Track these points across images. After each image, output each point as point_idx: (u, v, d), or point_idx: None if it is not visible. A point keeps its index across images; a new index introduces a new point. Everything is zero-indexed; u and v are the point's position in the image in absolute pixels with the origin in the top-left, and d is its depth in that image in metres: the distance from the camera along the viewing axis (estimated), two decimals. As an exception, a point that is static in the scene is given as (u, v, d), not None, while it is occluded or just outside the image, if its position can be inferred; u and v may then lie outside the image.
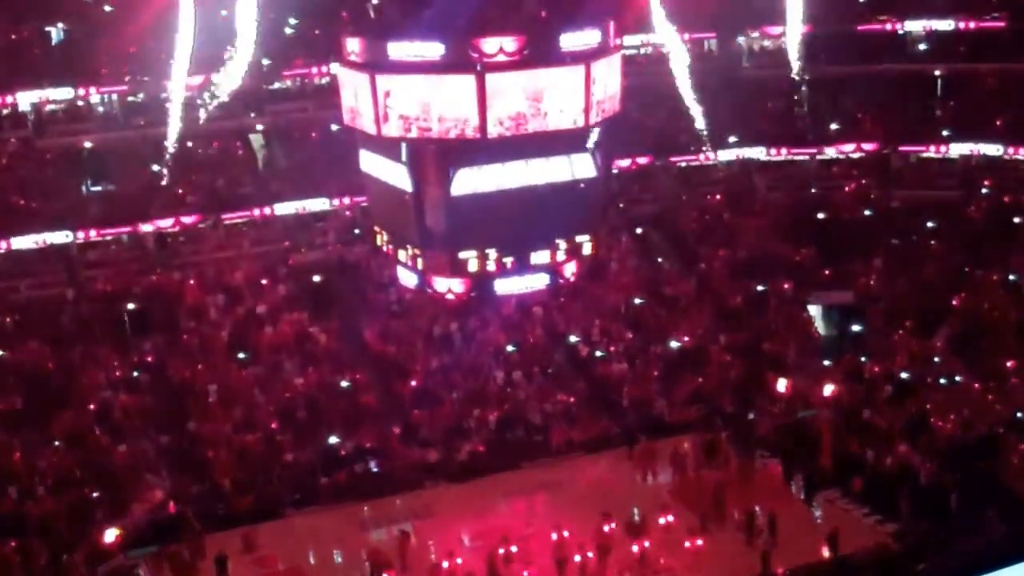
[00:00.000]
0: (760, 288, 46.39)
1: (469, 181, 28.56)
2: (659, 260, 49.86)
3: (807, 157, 55.02)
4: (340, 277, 46.47)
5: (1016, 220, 49.17)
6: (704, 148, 53.86)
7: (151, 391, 40.13)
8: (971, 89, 55.17)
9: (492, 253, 29.36)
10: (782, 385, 38.72)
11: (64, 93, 48.48)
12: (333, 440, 37.69)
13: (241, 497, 35.54)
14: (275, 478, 36.35)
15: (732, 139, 54.58)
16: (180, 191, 48.77)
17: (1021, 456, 34.02)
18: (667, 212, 52.79)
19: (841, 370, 40.71)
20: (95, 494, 34.46)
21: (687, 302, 46.51)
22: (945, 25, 55.55)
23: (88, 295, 44.84)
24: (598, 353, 43.00)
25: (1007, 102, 53.39)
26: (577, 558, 30.78)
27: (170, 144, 48.18)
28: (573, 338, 43.75)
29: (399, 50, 28.26)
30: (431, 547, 32.32)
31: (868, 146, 54.34)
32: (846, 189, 54.07)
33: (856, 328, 43.62)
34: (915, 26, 56.27)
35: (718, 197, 54.06)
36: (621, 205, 51.71)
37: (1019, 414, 36.74)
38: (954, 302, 44.43)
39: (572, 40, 28.48)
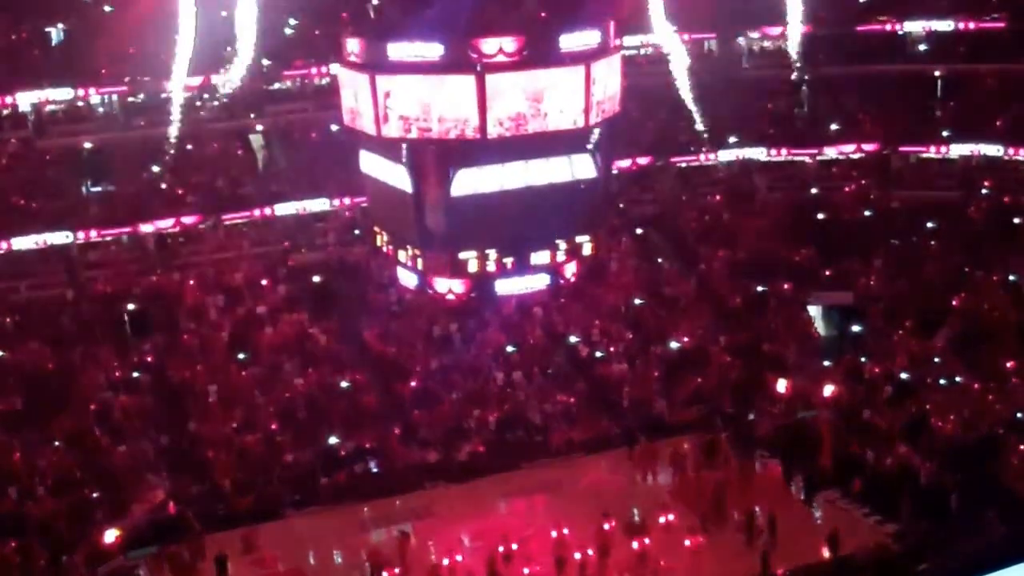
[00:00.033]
0: (760, 289, 46.38)
1: (469, 182, 28.57)
2: (659, 260, 49.85)
3: (807, 157, 55.01)
4: (340, 278, 46.47)
5: (1016, 221, 49.14)
6: (704, 148, 54.00)
7: (151, 392, 40.13)
8: (971, 90, 55.17)
9: (492, 254, 29.38)
10: (782, 386, 38.74)
11: (64, 93, 48.46)
12: (333, 440, 37.70)
13: (241, 497, 35.56)
14: (275, 478, 36.36)
15: (732, 139, 54.62)
16: (180, 192, 48.78)
17: (1021, 457, 34.03)
18: (667, 212, 52.78)
19: (841, 370, 40.69)
20: (95, 495, 34.49)
21: (687, 302, 46.51)
22: (945, 26, 55.52)
23: (88, 295, 44.85)
24: (598, 353, 43.00)
25: (1007, 103, 53.39)
26: (577, 556, 30.82)
27: (170, 145, 48.36)
28: (573, 338, 43.74)
29: (399, 50, 28.28)
30: (431, 547, 32.32)
31: (868, 146, 54.33)
32: (846, 189, 54.05)
33: (856, 328, 43.58)
34: (915, 27, 56.25)
35: (718, 197, 54.06)
36: (621, 205, 51.71)
37: (1019, 414, 36.72)
38: (954, 302, 44.40)
39: (572, 40, 28.49)
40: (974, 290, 45.04)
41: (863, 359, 41.59)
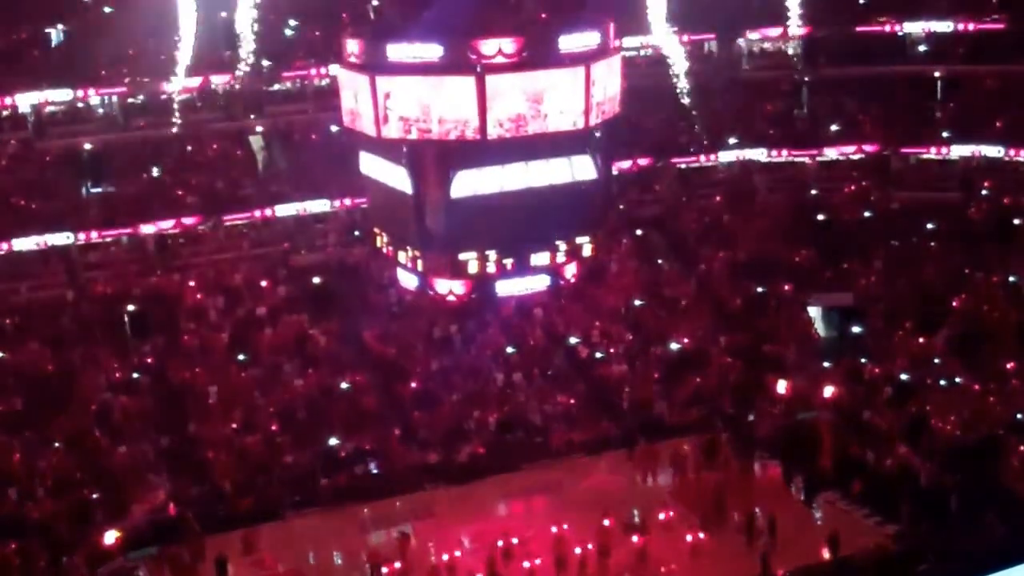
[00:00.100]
0: (760, 289, 46.38)
1: (469, 183, 28.54)
2: (659, 261, 49.86)
3: (807, 158, 55.00)
4: (340, 279, 46.47)
5: (1016, 222, 49.08)
6: (704, 149, 54.02)
7: (151, 393, 40.15)
8: (971, 90, 55.16)
9: (492, 255, 29.34)
10: (782, 387, 38.73)
11: (64, 94, 48.48)
12: (333, 442, 37.70)
13: (241, 499, 35.55)
14: (275, 480, 36.37)
15: (732, 140, 54.64)
16: (180, 193, 48.78)
17: (1021, 458, 34.02)
18: (667, 213, 52.79)
19: (841, 371, 40.66)
20: (95, 496, 34.50)
21: (687, 303, 46.50)
22: (944, 27, 55.51)
23: (88, 296, 44.85)
24: (598, 355, 42.99)
25: (1007, 103, 53.37)
26: (577, 553, 30.83)
27: (170, 146, 48.36)
28: (573, 340, 43.75)
29: (398, 51, 28.25)
30: (431, 548, 32.30)
31: (868, 147, 54.33)
32: (846, 190, 54.02)
33: (856, 329, 43.57)
34: (915, 27, 56.24)
35: (718, 198, 54.06)
36: (621, 206, 51.69)
37: (1019, 415, 36.71)
38: (954, 303, 44.39)
39: (571, 42, 28.46)
40: (974, 291, 45.02)
41: (863, 360, 41.56)
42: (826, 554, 30.88)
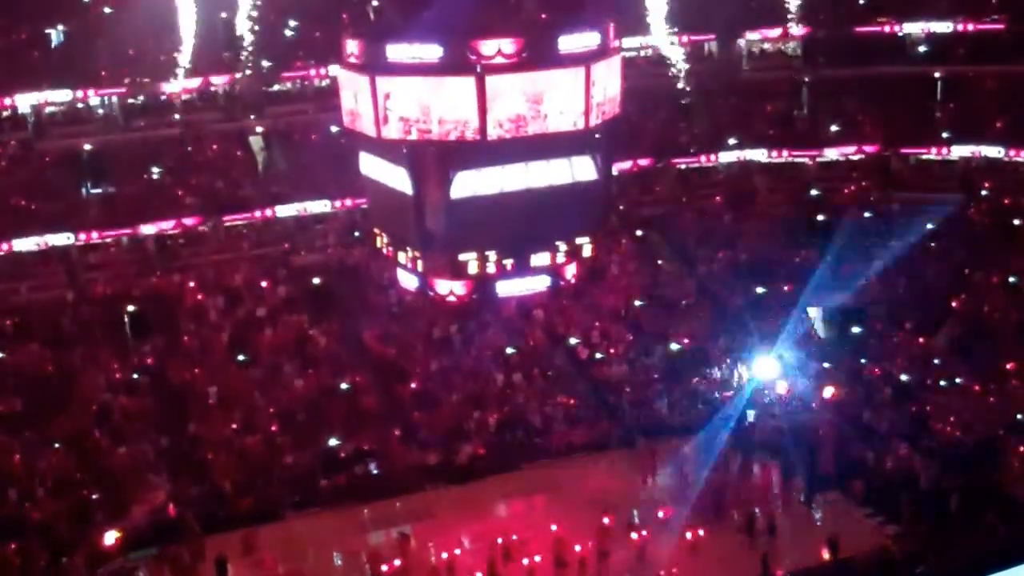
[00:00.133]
0: (760, 290, 46.35)
1: (469, 183, 28.51)
2: (659, 262, 49.86)
3: (807, 159, 55.02)
4: (340, 279, 46.48)
5: (1016, 222, 49.13)
6: (704, 150, 54.04)
7: (151, 393, 40.13)
8: (971, 91, 55.17)
9: (492, 255, 29.32)
10: (782, 387, 38.68)
11: (63, 95, 48.50)
12: (333, 442, 37.71)
13: (241, 499, 35.55)
14: (275, 480, 36.37)
15: (732, 141, 54.63)
16: (180, 193, 48.78)
17: (1021, 458, 34.03)
18: (667, 214, 52.78)
19: (841, 372, 40.66)
20: (95, 496, 34.50)
21: (687, 304, 46.46)
22: (944, 27, 55.54)
23: (88, 297, 44.85)
24: (598, 355, 42.98)
25: (1007, 104, 53.37)
26: (578, 548, 30.86)
27: (170, 146, 48.34)
28: (573, 340, 43.74)
29: (398, 52, 28.20)
30: (431, 548, 32.31)
31: (868, 148, 54.37)
32: (846, 191, 54.03)
33: (856, 330, 43.58)
34: (914, 28, 56.27)
35: (718, 199, 54.07)
36: (621, 207, 51.70)
37: (1019, 416, 36.71)
38: (954, 304, 44.40)
39: (571, 42, 28.42)
40: (974, 291, 45.04)
41: (863, 360, 41.58)
42: (826, 555, 30.88)
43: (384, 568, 31.41)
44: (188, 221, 47.44)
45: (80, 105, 49.70)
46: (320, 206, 48.77)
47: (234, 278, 46.09)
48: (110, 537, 31.74)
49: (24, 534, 32.44)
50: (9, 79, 47.56)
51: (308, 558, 32.90)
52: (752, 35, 57.73)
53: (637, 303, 45.96)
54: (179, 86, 49.94)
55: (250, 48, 51.34)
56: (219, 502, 35.44)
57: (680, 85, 55.97)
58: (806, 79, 57.04)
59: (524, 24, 29.31)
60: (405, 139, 28.41)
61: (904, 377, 40.04)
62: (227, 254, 47.74)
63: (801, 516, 33.62)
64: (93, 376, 40.31)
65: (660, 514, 33.02)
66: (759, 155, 54.69)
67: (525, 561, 30.92)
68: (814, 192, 53.93)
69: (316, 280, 46.00)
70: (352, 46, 30.24)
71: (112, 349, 41.88)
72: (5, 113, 48.37)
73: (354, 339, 43.38)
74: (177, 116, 49.65)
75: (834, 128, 55.75)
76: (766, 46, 58.66)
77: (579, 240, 30.27)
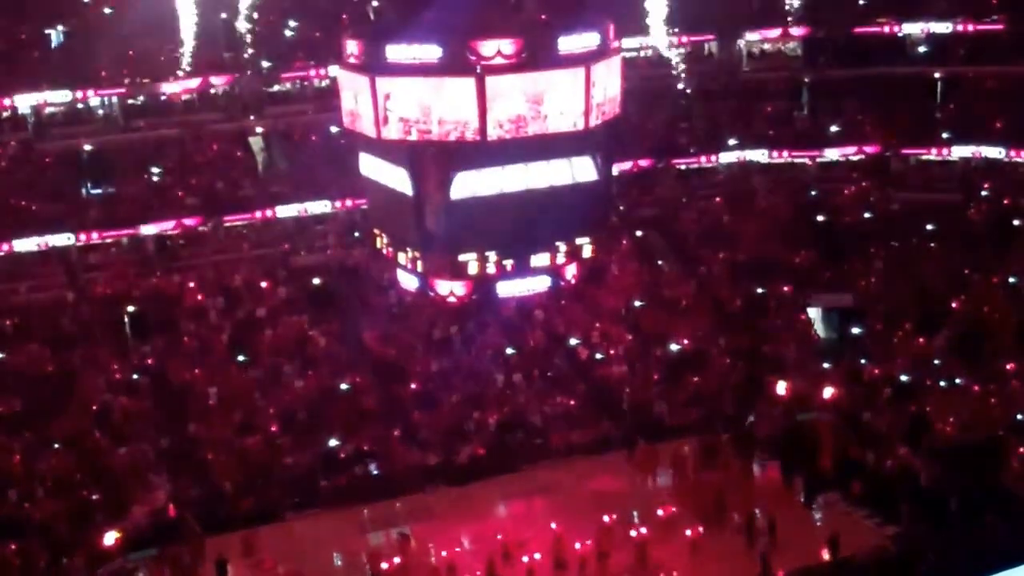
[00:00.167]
0: (760, 291, 46.36)
1: (469, 184, 28.53)
2: (659, 263, 49.85)
3: (807, 159, 55.02)
4: (340, 280, 46.48)
5: (1016, 223, 49.10)
6: (704, 151, 54.05)
7: (151, 394, 40.13)
8: (971, 91, 55.17)
9: (492, 256, 29.33)
10: (782, 388, 38.70)
11: (63, 95, 48.49)
12: (333, 443, 37.70)
13: (241, 500, 35.54)
14: (275, 481, 36.36)
15: (732, 141, 54.63)
16: (180, 194, 48.78)
17: (1021, 459, 34.01)
18: (667, 214, 52.78)
19: (841, 372, 40.66)
20: (95, 497, 34.48)
21: (687, 304, 46.47)
22: (944, 28, 55.53)
23: (88, 297, 44.83)
24: (598, 356, 42.98)
25: (1007, 104, 53.37)
26: (577, 554, 30.84)
27: (170, 147, 48.33)
28: (573, 340, 43.73)
29: (398, 52, 28.23)
30: (431, 549, 32.29)
31: (868, 148, 54.37)
32: (846, 191, 54.04)
33: (856, 330, 43.60)
34: (914, 29, 56.26)
35: (718, 200, 54.05)
36: (621, 207, 51.69)
37: (1019, 416, 36.70)
38: (954, 304, 44.40)
39: (571, 43, 28.44)
40: (974, 292, 45.02)
41: (863, 361, 41.59)
42: (826, 555, 30.88)
43: (384, 566, 31.38)
44: (188, 221, 47.43)
45: (80, 105, 49.73)
46: (320, 207, 48.76)
47: (234, 278, 46.08)
48: (110, 538, 31.69)
49: (24, 534, 32.44)
50: (9, 79, 47.63)
51: (308, 559, 32.84)
52: (752, 35, 57.73)
53: (637, 303, 45.94)
54: (179, 86, 49.95)
55: (250, 48, 51.40)
56: (219, 503, 35.43)
57: (680, 86, 56.02)
58: (806, 79, 57.04)
59: (524, 24, 29.34)
60: (405, 140, 28.44)
61: (904, 377, 40.01)
62: (227, 254, 47.71)
63: (801, 516, 33.58)
64: (93, 376, 40.30)
65: (660, 511, 32.99)
66: (759, 155, 54.68)
67: (525, 559, 30.92)
68: (814, 193, 53.94)
69: (316, 281, 45.99)
70: (352, 46, 30.28)
71: (112, 349, 41.88)
72: (5, 113, 48.37)
73: (354, 340, 43.37)
74: (177, 117, 49.64)
75: (834, 128, 55.75)
76: (766, 46, 58.66)
77: (579, 240, 30.31)
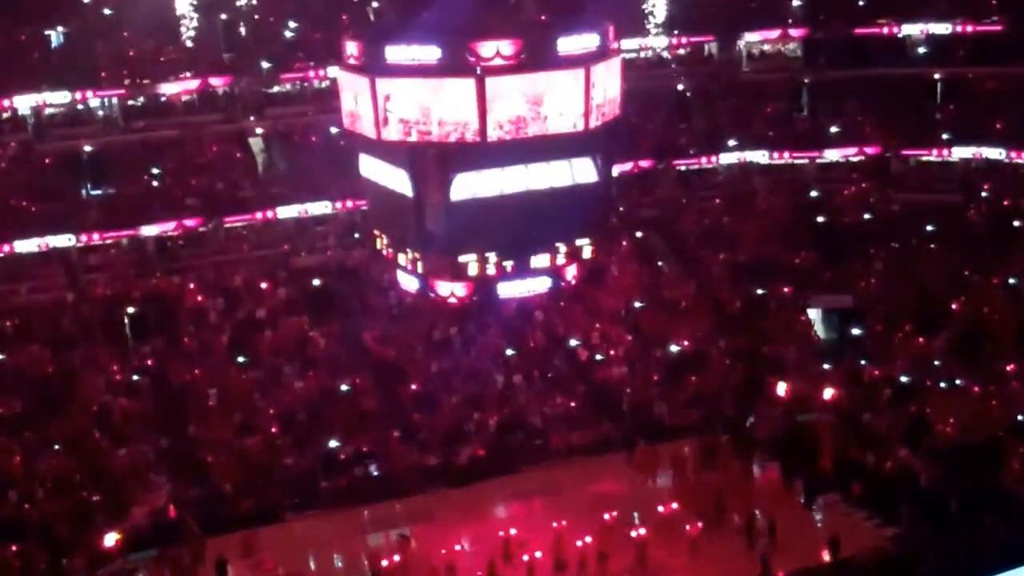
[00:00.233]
0: (760, 291, 46.37)
1: (469, 185, 28.54)
2: (659, 264, 49.86)
3: (807, 160, 55.03)
4: (340, 281, 46.47)
5: (1016, 224, 49.12)
6: (704, 152, 54.08)
7: (151, 394, 40.12)
8: (971, 92, 55.18)
9: (492, 257, 29.34)
10: (782, 389, 38.71)
11: (63, 96, 48.45)
12: (333, 444, 37.69)
13: (241, 500, 35.54)
14: (275, 481, 36.34)
15: (732, 142, 54.64)
16: (180, 194, 48.78)
17: (1021, 460, 34.00)
18: (667, 215, 52.79)
19: (841, 373, 40.66)
20: (95, 498, 34.47)
21: (687, 306, 46.48)
22: (943, 28, 55.53)
23: (88, 298, 44.84)
24: (598, 357, 42.98)
25: (1007, 105, 53.38)
26: (579, 544, 30.85)
27: (170, 148, 48.30)
28: (573, 342, 43.73)
29: (397, 53, 28.24)
30: (431, 550, 32.25)
31: (868, 149, 54.39)
32: (846, 192, 54.05)
33: (856, 331, 43.60)
34: (914, 30, 56.27)
35: (718, 201, 54.07)
36: (621, 208, 51.70)
37: (1019, 417, 36.70)
38: (954, 305, 44.40)
39: (570, 44, 28.45)
40: (974, 293, 45.02)
41: (863, 362, 41.59)
42: (826, 556, 30.88)
43: (384, 562, 31.38)
44: (188, 222, 47.43)
45: (80, 106, 49.66)
46: (320, 207, 48.78)
47: (234, 279, 46.09)
48: (110, 539, 31.69)
49: (24, 536, 32.43)
50: (9, 80, 47.57)
51: (308, 560, 32.89)
52: (752, 36, 57.73)
53: (637, 305, 45.93)
54: (179, 87, 49.95)
55: (250, 49, 51.39)
56: (219, 503, 35.42)
57: (680, 87, 56.03)
58: (806, 80, 57.04)
59: (523, 25, 29.39)
60: (405, 141, 28.45)
61: (904, 378, 40.00)
62: (227, 255, 47.75)
63: (801, 518, 33.57)
64: (93, 377, 40.31)
65: (660, 508, 32.98)
66: (759, 156, 54.71)
67: (525, 558, 30.91)
68: (814, 194, 53.94)
69: (316, 281, 45.99)
70: (352, 47, 30.29)
71: (112, 350, 41.88)
72: (5, 114, 48.33)
73: (354, 340, 43.36)
74: (177, 118, 49.63)
75: (834, 129, 55.77)
76: (766, 47, 58.64)
77: (579, 242, 30.32)
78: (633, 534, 31.62)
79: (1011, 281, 45.25)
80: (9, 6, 50.34)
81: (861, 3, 57.96)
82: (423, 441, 38.54)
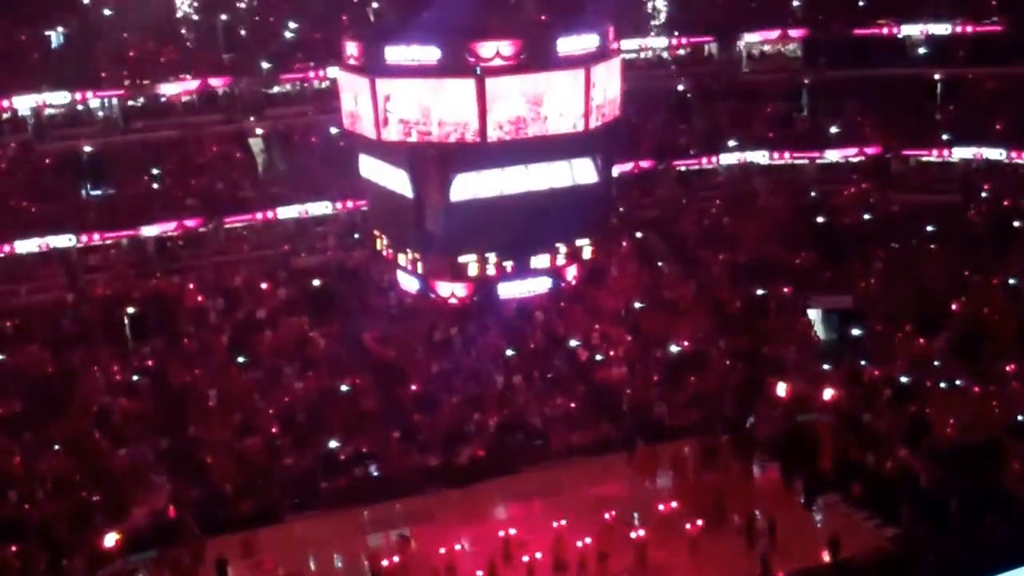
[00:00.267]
0: (760, 292, 46.36)
1: (469, 186, 28.54)
2: (659, 264, 49.86)
3: (807, 161, 55.04)
4: (340, 281, 46.48)
5: (1016, 224, 49.15)
6: (704, 152, 54.10)
7: (151, 395, 40.11)
8: (971, 93, 55.20)
9: (492, 257, 29.34)
10: (782, 389, 38.69)
11: (63, 97, 48.50)
12: (333, 444, 37.68)
13: (241, 501, 35.52)
14: (275, 482, 36.33)
15: (732, 143, 54.66)
16: (180, 195, 48.80)
17: (1021, 460, 33.99)
18: (667, 216, 52.80)
19: (841, 374, 40.65)
20: (95, 498, 34.46)
21: (687, 306, 46.48)
22: (943, 29, 55.57)
23: (88, 299, 44.85)
24: (598, 357, 42.98)
25: (1007, 106, 53.40)
26: (579, 544, 30.85)
27: (170, 148, 48.30)
28: (573, 342, 43.73)
29: (397, 54, 28.25)
30: (431, 551, 32.24)
31: (869, 150, 54.41)
32: (846, 193, 54.06)
33: (856, 332, 43.60)
34: (914, 30, 56.30)
35: (718, 201, 54.08)
36: (621, 209, 51.71)
37: (1019, 418, 36.69)
38: (954, 306, 44.39)
39: (570, 44, 28.45)
40: (974, 293, 45.02)
41: (863, 362, 41.58)
42: (826, 556, 30.87)
43: (384, 562, 31.38)
44: (188, 223, 47.46)
45: (80, 107, 49.75)
46: (320, 208, 48.81)
47: (234, 280, 46.11)
48: (110, 539, 31.67)
49: (24, 536, 32.41)
50: (9, 80, 47.61)
51: (308, 560, 32.89)
52: (752, 37, 57.77)
53: (637, 305, 45.94)
54: (179, 88, 49.97)
55: (250, 50, 51.41)
56: (219, 504, 35.40)
57: (680, 87, 56.06)
58: (806, 81, 57.09)
59: (523, 26, 29.40)
60: (405, 141, 28.45)
61: (904, 379, 39.99)
62: (227, 256, 47.80)
63: (801, 518, 33.57)
64: (93, 378, 40.31)
65: (661, 517, 32.97)
66: (759, 157, 54.75)
67: (525, 558, 30.91)
68: (814, 194, 53.96)
69: (316, 282, 46.01)
70: (351, 48, 30.29)
71: (112, 351, 41.87)
72: (5, 115, 48.37)
73: (354, 341, 43.37)
74: (176, 118, 49.65)
75: (834, 130, 55.81)
76: (766, 48, 58.70)
77: (579, 242, 30.32)
78: (633, 535, 31.65)
79: (1011, 281, 45.26)
80: (9, 6, 50.38)
81: (861, 3, 58.02)
82: (423, 442, 38.53)
